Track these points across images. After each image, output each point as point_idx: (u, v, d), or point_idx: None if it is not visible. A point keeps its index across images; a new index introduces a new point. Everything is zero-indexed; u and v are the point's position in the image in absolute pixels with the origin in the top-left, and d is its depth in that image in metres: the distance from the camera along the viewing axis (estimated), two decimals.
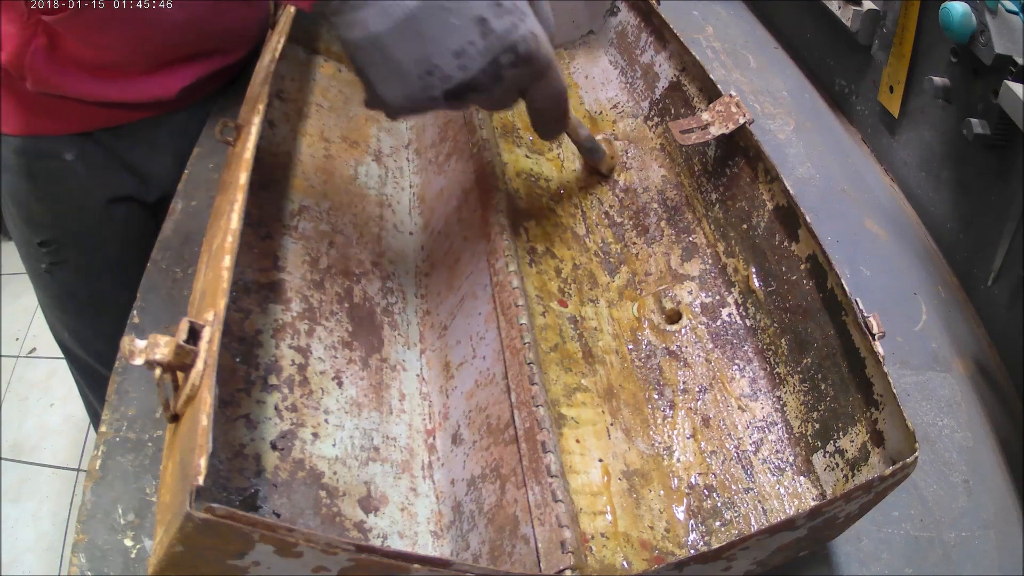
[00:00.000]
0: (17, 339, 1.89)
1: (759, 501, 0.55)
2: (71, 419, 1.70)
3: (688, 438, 0.59)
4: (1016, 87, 0.63)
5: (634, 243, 0.72)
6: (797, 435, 0.56)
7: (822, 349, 0.56)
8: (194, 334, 0.38)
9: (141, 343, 0.36)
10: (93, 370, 0.99)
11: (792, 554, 0.49)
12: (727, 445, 0.58)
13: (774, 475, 0.56)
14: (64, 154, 0.79)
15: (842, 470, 0.52)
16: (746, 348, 0.62)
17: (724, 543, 0.41)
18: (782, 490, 0.55)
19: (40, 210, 0.84)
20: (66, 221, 0.85)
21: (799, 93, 1.01)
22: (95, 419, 1.16)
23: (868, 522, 0.55)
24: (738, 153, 0.66)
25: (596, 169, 0.77)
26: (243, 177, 0.48)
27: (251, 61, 0.87)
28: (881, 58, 0.89)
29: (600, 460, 0.55)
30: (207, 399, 0.35)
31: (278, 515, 0.48)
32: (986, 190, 0.74)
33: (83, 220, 0.85)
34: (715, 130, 0.65)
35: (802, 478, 0.55)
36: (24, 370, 1.82)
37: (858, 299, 0.51)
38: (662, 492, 0.56)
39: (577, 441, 0.55)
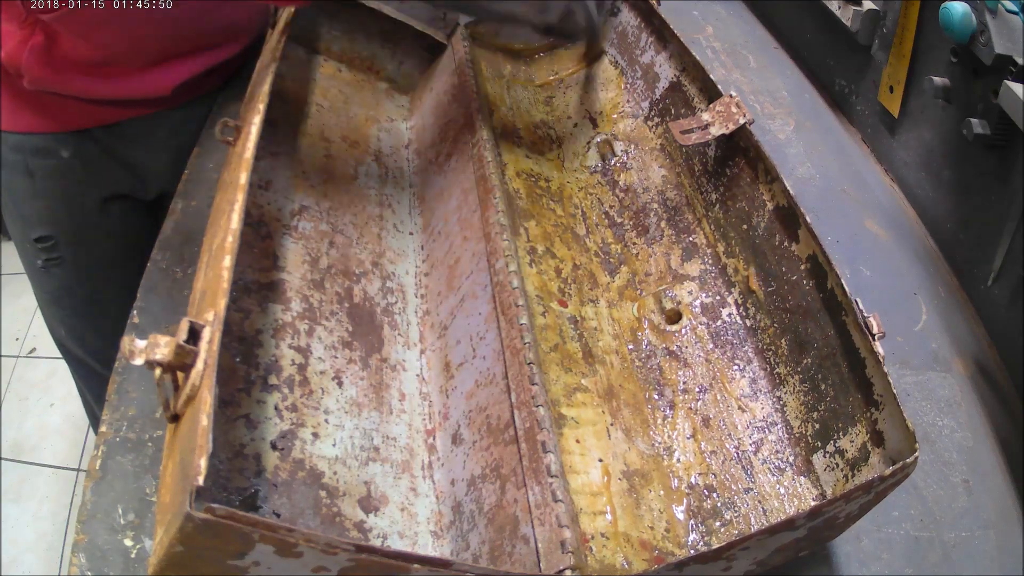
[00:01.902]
0: (17, 339, 1.88)
1: (759, 501, 0.55)
2: (71, 419, 1.70)
3: (688, 438, 0.59)
4: (1016, 87, 0.63)
5: (634, 243, 0.72)
6: (797, 435, 0.56)
7: (822, 349, 0.56)
8: (194, 334, 0.38)
9: (141, 343, 0.36)
10: (90, 368, 0.99)
11: (792, 554, 0.49)
12: (727, 445, 0.58)
13: (774, 475, 0.56)
14: (61, 151, 0.79)
15: (842, 470, 0.52)
16: (746, 348, 0.62)
17: (724, 543, 0.41)
18: (782, 490, 0.55)
19: (37, 207, 0.84)
20: (62, 218, 0.85)
21: (799, 93, 1.01)
22: (93, 419, 1.16)
23: (868, 522, 0.55)
24: (738, 153, 0.66)
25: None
26: (243, 177, 0.48)
27: (248, 61, 0.87)
28: (881, 58, 0.89)
29: (600, 460, 0.55)
30: (207, 399, 0.35)
31: (278, 515, 0.48)
32: (986, 190, 0.74)
33: (79, 217, 0.85)
34: (715, 130, 0.65)
35: (802, 478, 0.55)
36: (24, 370, 1.82)
37: (858, 299, 0.51)
38: (662, 492, 0.56)
39: (577, 441, 0.55)
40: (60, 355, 1.02)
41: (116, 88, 0.76)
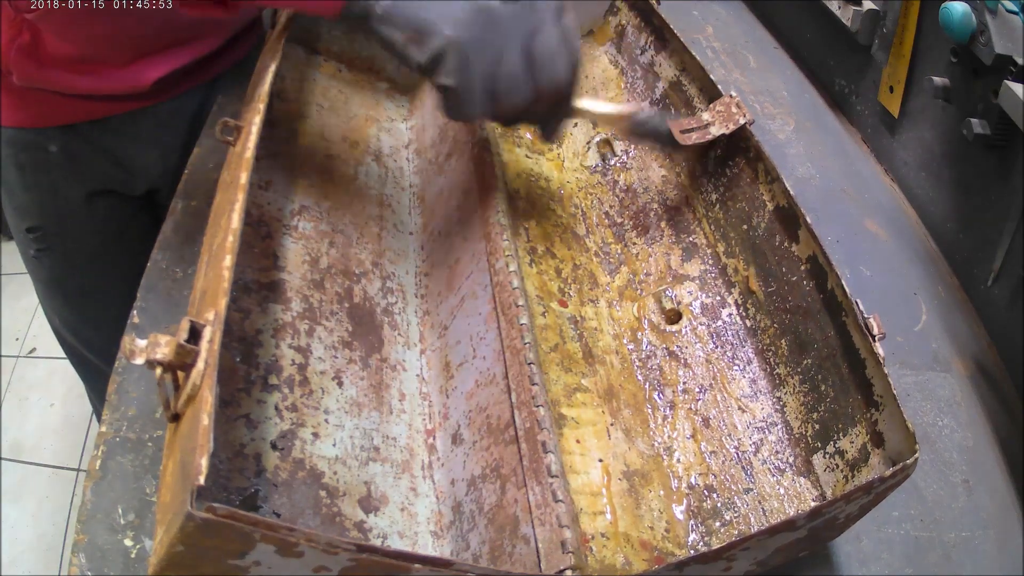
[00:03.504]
0: (17, 339, 1.89)
1: (759, 501, 0.55)
2: (71, 419, 1.70)
3: (688, 438, 0.59)
4: (1016, 87, 0.63)
5: (634, 243, 0.72)
6: (797, 436, 0.56)
7: (822, 350, 0.56)
8: (195, 333, 0.38)
9: (142, 342, 0.36)
10: (86, 359, 1.01)
11: (792, 554, 0.49)
12: (727, 446, 0.58)
13: (774, 476, 0.56)
14: (49, 146, 0.82)
15: (842, 471, 0.52)
16: (746, 348, 0.62)
17: (724, 543, 0.41)
18: (782, 491, 0.55)
19: (26, 198, 0.86)
20: (50, 210, 0.88)
21: (799, 93, 1.01)
22: (96, 410, 1.17)
23: (868, 522, 0.55)
24: (738, 153, 0.66)
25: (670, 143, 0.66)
26: (243, 177, 0.48)
27: (240, 59, 0.88)
28: (881, 58, 0.89)
29: (600, 460, 0.55)
30: (208, 398, 0.35)
31: (278, 515, 0.48)
32: (986, 190, 0.74)
33: (65, 210, 0.88)
34: (715, 130, 0.65)
35: (802, 479, 0.55)
36: (24, 370, 1.82)
37: (858, 300, 0.51)
38: (662, 492, 0.56)
39: (577, 441, 0.55)
40: (60, 355, 1.03)
41: (97, 83, 0.78)
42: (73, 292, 0.94)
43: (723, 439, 0.58)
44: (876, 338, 0.49)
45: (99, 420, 0.59)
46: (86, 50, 0.74)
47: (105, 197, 0.89)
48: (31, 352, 1.86)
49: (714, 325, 0.64)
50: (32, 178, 0.84)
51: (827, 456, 0.53)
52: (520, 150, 0.78)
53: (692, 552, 0.52)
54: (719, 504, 0.55)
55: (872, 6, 0.87)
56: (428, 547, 0.52)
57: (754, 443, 0.57)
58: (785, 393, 0.58)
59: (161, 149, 0.86)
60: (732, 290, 0.65)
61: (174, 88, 0.84)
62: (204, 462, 0.32)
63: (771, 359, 0.60)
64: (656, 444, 0.59)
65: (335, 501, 0.50)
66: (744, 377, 0.61)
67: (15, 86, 0.75)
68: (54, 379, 1.77)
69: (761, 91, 0.98)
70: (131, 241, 0.73)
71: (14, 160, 0.82)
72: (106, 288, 0.91)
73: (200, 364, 0.37)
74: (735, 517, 0.54)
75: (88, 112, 0.81)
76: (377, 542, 0.50)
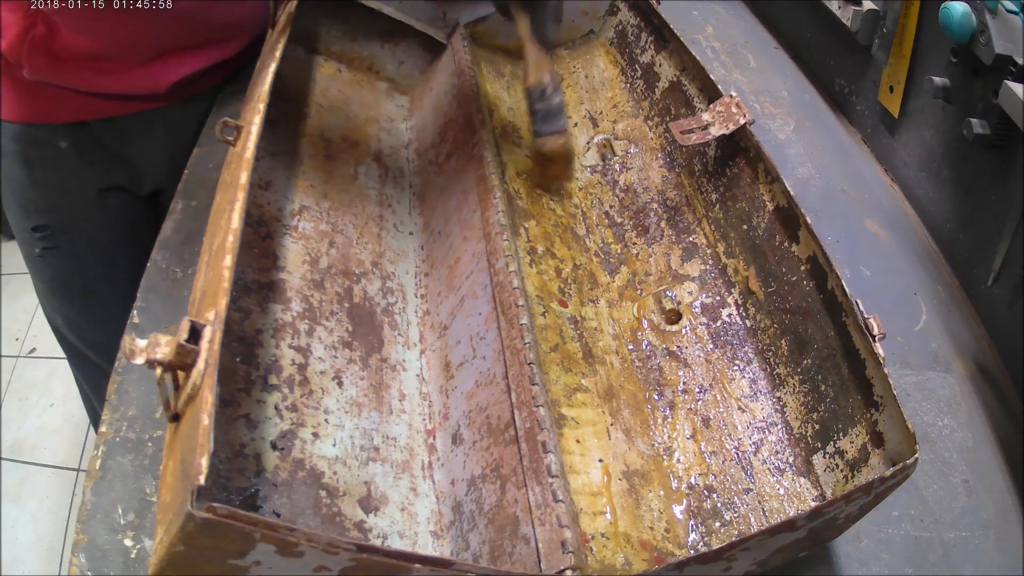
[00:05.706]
0: (17, 339, 1.89)
1: (759, 502, 0.55)
2: (71, 419, 1.70)
3: (688, 438, 0.59)
4: (1016, 87, 0.63)
5: (634, 243, 0.72)
6: (797, 436, 0.56)
7: (822, 350, 0.56)
8: (195, 333, 0.38)
9: (142, 342, 0.36)
10: (87, 359, 1.00)
11: (792, 554, 0.49)
12: (727, 446, 0.58)
13: (774, 476, 0.56)
14: (59, 142, 0.80)
15: (842, 471, 0.52)
16: (746, 349, 0.62)
17: (724, 544, 0.41)
18: (782, 491, 0.55)
19: (34, 196, 0.85)
20: (58, 208, 0.86)
21: (799, 93, 1.01)
22: (91, 413, 1.16)
23: (868, 522, 0.55)
24: (738, 153, 0.66)
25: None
26: (243, 177, 0.48)
27: (245, 60, 0.88)
28: (881, 58, 0.89)
29: (600, 460, 0.55)
30: (208, 398, 0.35)
31: (278, 515, 0.48)
32: (986, 190, 0.74)
33: (75, 207, 0.86)
34: (715, 130, 0.66)
35: (802, 479, 0.55)
36: (24, 370, 1.82)
37: (858, 300, 0.51)
38: (662, 492, 0.56)
39: (577, 441, 0.55)
40: (60, 355, 1.03)
41: (113, 83, 0.77)
42: (79, 291, 0.93)
43: (723, 439, 0.58)
44: (876, 338, 0.49)
45: (95, 424, 0.59)
46: (105, 48, 0.74)
47: (116, 193, 0.88)
48: (31, 352, 1.86)
49: (714, 325, 0.64)
50: (41, 174, 0.82)
51: (827, 456, 0.53)
52: (520, 150, 0.78)
53: (692, 552, 0.52)
54: (719, 504, 0.55)
55: (872, 6, 0.87)
56: (428, 547, 0.52)
57: (754, 443, 0.57)
58: (785, 393, 0.58)
59: (169, 151, 0.86)
60: (732, 290, 0.65)
61: (189, 91, 0.83)
62: (204, 462, 0.32)
63: (771, 359, 0.60)
64: (656, 444, 0.59)
65: (335, 501, 0.50)
66: (744, 377, 0.61)
67: (23, 80, 0.74)
68: (54, 379, 1.77)
69: (761, 91, 0.98)
70: (139, 239, 0.73)
71: (21, 156, 0.81)
72: (112, 286, 0.90)
73: (200, 364, 0.37)
74: (735, 517, 0.54)
75: (100, 110, 0.80)
76: (377, 542, 0.50)
